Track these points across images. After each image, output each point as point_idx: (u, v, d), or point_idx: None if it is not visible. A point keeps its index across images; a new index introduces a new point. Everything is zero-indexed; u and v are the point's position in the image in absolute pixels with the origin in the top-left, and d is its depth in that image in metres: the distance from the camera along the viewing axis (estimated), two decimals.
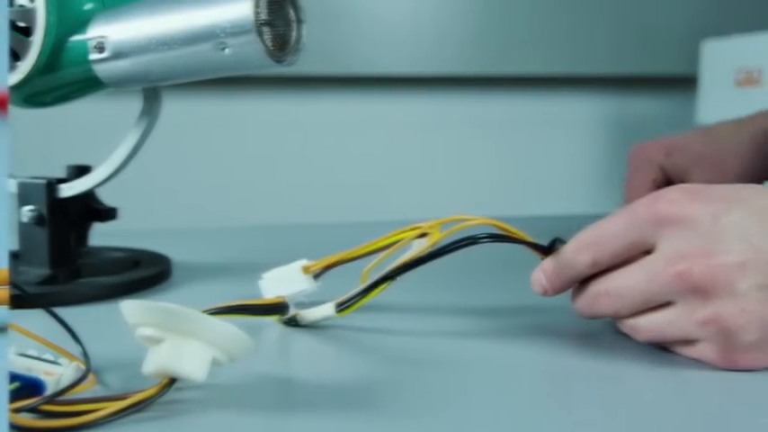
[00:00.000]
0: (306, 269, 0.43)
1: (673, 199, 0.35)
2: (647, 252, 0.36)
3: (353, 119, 1.72)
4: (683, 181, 0.56)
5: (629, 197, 0.56)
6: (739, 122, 0.62)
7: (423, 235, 0.40)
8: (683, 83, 1.86)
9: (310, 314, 0.42)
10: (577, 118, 1.92)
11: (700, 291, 0.34)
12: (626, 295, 0.36)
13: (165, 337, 0.31)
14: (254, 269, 0.57)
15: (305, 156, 1.69)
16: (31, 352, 0.33)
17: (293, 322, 0.42)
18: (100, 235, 0.57)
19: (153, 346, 0.31)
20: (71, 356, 0.34)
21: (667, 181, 0.57)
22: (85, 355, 0.34)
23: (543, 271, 0.40)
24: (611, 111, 1.95)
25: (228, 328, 0.31)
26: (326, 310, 0.41)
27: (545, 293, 0.40)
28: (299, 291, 0.43)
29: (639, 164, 0.58)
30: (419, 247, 0.39)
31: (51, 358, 0.33)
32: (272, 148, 1.67)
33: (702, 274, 0.33)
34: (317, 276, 0.43)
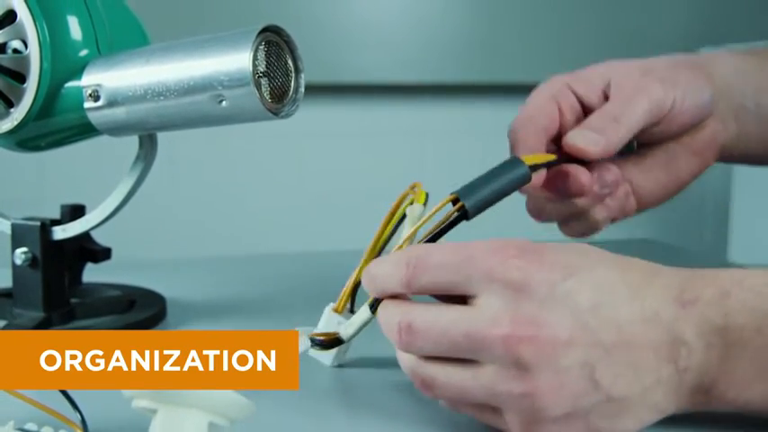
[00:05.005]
0: (337, 310, 0.42)
1: (515, 264, 0.32)
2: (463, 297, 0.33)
3: (343, 128, 1.71)
4: (590, 108, 0.49)
5: (519, 119, 0.49)
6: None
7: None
8: None
9: (351, 327, 0.40)
10: None
11: (522, 362, 0.31)
12: (434, 337, 0.32)
13: (160, 407, 0.31)
14: (251, 307, 0.57)
15: (298, 171, 1.68)
16: (29, 426, 0.32)
17: (339, 342, 0.40)
18: (93, 268, 0.56)
19: (152, 415, 0.31)
20: (71, 423, 0.34)
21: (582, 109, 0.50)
22: (83, 422, 0.34)
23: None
24: None
25: (224, 394, 0.31)
26: (364, 315, 0.38)
27: None
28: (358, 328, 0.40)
29: (543, 88, 0.50)
30: (413, 214, 0.41)
31: (51, 431, 0.33)
32: (262, 159, 1.66)
33: (529, 345, 0.31)
34: (351, 308, 0.43)
